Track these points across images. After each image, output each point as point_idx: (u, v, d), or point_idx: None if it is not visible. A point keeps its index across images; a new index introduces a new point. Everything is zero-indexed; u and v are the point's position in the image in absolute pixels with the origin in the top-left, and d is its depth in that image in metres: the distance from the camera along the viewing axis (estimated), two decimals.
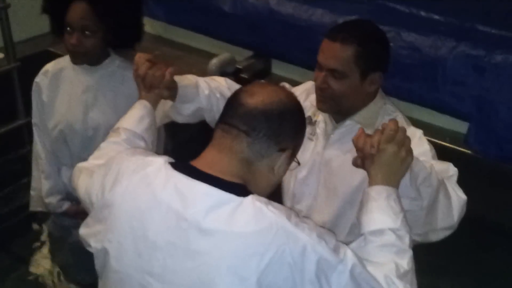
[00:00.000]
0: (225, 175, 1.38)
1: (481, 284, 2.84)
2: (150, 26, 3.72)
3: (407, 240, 1.46)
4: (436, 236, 1.77)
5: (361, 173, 1.65)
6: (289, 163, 1.51)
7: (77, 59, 2.35)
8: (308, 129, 2.02)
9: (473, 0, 3.09)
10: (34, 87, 2.52)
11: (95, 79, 2.41)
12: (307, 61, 3.03)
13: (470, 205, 1.77)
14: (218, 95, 2.02)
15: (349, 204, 1.93)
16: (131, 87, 2.27)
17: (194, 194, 1.35)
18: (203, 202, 1.32)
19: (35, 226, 2.82)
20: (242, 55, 3.39)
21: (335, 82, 1.84)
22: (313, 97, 1.97)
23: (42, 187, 2.62)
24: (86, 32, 2.26)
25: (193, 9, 3.49)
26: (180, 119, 2.07)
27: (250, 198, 1.33)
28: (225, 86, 2.07)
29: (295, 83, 2.27)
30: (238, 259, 1.28)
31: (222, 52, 3.37)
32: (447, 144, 2.73)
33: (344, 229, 1.96)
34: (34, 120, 2.57)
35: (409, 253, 1.45)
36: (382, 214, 1.47)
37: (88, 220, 1.53)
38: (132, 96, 2.06)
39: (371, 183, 1.54)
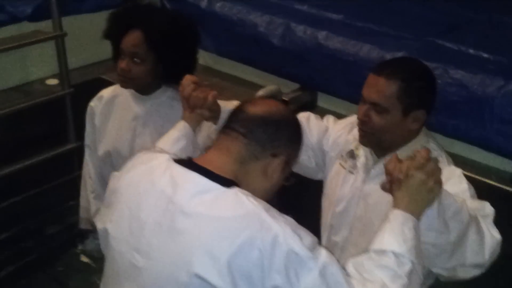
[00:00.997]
0: (218, 170, 1.48)
1: None
2: (200, 57, 3.78)
3: (407, 268, 1.46)
4: (465, 273, 1.74)
5: None
6: (283, 172, 1.58)
7: (124, 84, 2.40)
8: (350, 163, 2.03)
9: None
10: (88, 111, 2.62)
11: (145, 108, 2.47)
12: (353, 95, 3.02)
13: None
14: None
15: None
16: (178, 117, 2.34)
17: (184, 180, 1.46)
18: (190, 187, 1.44)
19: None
20: (289, 88, 3.41)
21: (376, 116, 1.85)
22: (356, 131, 1.98)
23: (90, 207, 2.70)
24: (135, 59, 2.31)
25: (242, 41, 3.54)
26: None
27: (234, 189, 1.43)
28: None
29: (340, 116, 2.29)
30: (212, 239, 1.37)
31: (269, 84, 3.41)
32: (493, 183, 2.68)
33: None
34: (87, 141, 2.67)
35: (403, 280, 1.45)
36: (391, 236, 1.49)
37: (101, 207, 1.68)
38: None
39: (394, 206, 1.55)
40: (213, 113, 2.00)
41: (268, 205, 1.43)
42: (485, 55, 2.89)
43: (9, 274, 3.30)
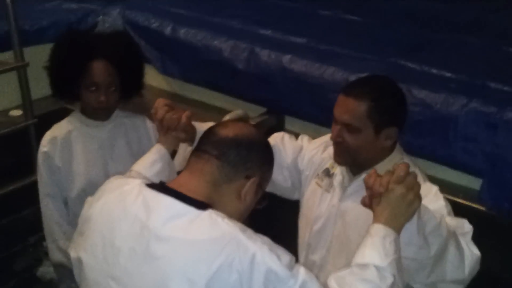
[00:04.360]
0: (191, 193, 1.48)
1: None
2: (166, 83, 3.80)
3: (389, 282, 1.46)
4: None
5: None
6: (256, 194, 1.58)
7: (102, 116, 2.44)
8: (326, 181, 2.05)
9: (484, 57, 3.14)
10: (43, 158, 2.49)
11: (108, 132, 2.48)
12: (319, 117, 3.06)
13: (484, 262, 1.76)
14: None
15: None
16: (140, 131, 2.44)
17: (158, 205, 1.45)
18: (164, 212, 1.43)
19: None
20: (255, 112, 3.43)
21: (349, 136, 1.87)
22: (331, 149, 1.99)
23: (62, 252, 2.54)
24: (112, 88, 2.35)
25: (207, 67, 3.54)
26: None
27: (208, 212, 1.42)
28: None
29: None
30: (189, 264, 1.36)
31: (236, 109, 3.41)
32: (460, 200, 2.70)
33: None
34: (46, 191, 2.52)
35: None
36: (372, 250, 1.50)
37: (74, 236, 1.63)
38: (142, 138, 2.13)
39: (374, 221, 1.56)
40: (188, 135, 1.99)
41: (244, 226, 1.43)
42: (448, 74, 2.95)
43: None
